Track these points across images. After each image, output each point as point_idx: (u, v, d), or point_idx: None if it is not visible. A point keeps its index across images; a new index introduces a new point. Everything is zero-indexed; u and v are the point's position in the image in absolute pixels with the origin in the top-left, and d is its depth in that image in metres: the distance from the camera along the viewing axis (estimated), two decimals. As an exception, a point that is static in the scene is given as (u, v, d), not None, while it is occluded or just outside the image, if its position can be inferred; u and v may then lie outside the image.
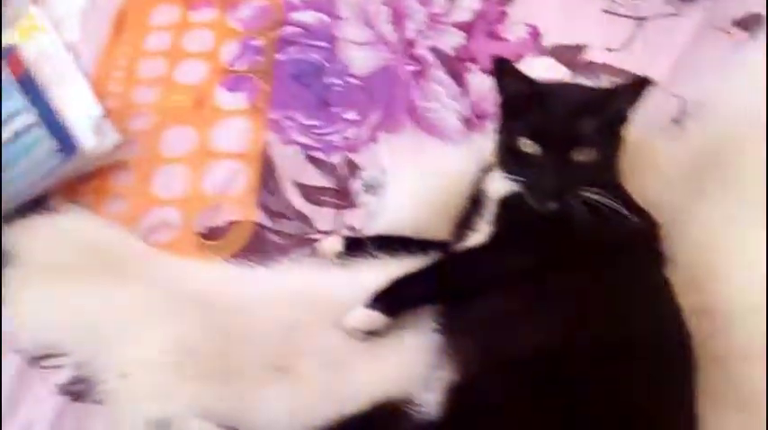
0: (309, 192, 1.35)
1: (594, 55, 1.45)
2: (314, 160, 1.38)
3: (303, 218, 1.32)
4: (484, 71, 1.45)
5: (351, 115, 1.43)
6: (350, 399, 1.01)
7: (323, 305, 1.14)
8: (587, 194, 1.05)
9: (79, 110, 1.38)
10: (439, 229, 1.24)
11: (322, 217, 1.33)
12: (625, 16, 1.49)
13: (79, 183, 1.37)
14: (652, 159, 1.25)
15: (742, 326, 1.06)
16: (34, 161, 1.31)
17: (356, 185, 1.35)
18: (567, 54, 1.46)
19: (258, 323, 1.12)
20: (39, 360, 1.16)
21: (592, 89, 1.17)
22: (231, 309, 1.14)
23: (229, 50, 1.53)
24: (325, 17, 1.55)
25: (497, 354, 0.97)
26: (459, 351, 1.00)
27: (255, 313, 1.14)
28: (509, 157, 1.12)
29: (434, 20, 1.53)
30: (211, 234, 1.31)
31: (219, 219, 1.32)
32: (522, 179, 1.09)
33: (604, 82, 1.35)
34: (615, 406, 0.91)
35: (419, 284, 1.11)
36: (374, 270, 1.17)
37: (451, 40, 1.51)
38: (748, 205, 1.12)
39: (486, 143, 1.21)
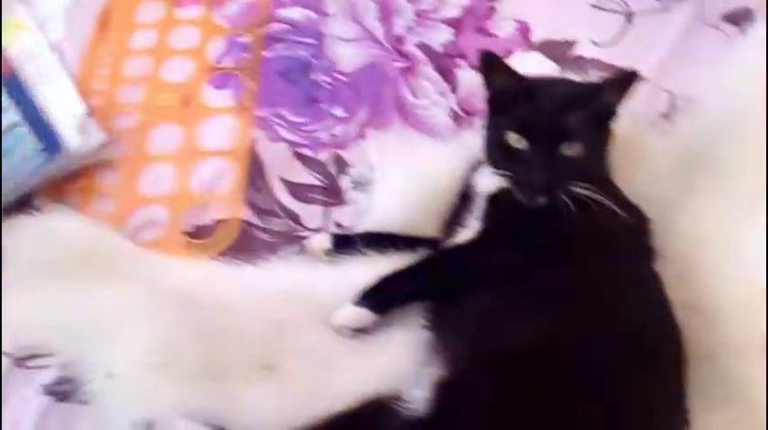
0: (297, 190, 1.34)
1: (583, 50, 1.45)
2: (302, 157, 1.37)
3: (291, 215, 1.31)
4: (473, 67, 1.44)
5: (339, 112, 1.42)
6: (338, 397, 0.99)
7: (311, 303, 1.13)
8: (576, 189, 1.04)
9: (64, 109, 1.37)
10: (428, 226, 1.23)
11: (310, 214, 1.32)
12: (614, 11, 1.49)
13: (65, 182, 1.35)
14: (641, 154, 1.25)
15: (731, 320, 1.05)
16: (18, 160, 1.29)
17: (345, 182, 1.35)
18: (557, 49, 1.46)
19: (245, 321, 1.11)
20: (24, 360, 1.15)
21: (579, 83, 1.17)
22: (218, 308, 1.13)
23: (216, 48, 1.52)
24: (312, 14, 1.54)
25: (486, 350, 0.96)
26: (447, 347, 0.99)
27: (243, 311, 1.13)
28: (497, 153, 1.12)
29: (423, 16, 1.52)
30: (199, 232, 1.30)
31: (207, 218, 1.31)
32: (510, 174, 1.08)
33: (593, 77, 1.33)
34: (604, 401, 0.90)
35: (407, 281, 1.11)
36: (363, 267, 1.16)
37: (440, 36, 1.50)
38: (738, 199, 1.12)
39: (475, 139, 1.20)
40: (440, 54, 1.48)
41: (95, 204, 1.34)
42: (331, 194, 1.34)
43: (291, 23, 1.53)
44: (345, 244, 1.22)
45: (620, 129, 1.14)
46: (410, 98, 1.43)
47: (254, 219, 1.31)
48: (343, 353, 1.07)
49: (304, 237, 1.28)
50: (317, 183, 1.35)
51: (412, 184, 1.27)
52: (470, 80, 1.42)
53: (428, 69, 1.46)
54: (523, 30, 1.49)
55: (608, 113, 1.10)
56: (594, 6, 1.50)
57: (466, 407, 0.90)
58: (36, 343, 1.14)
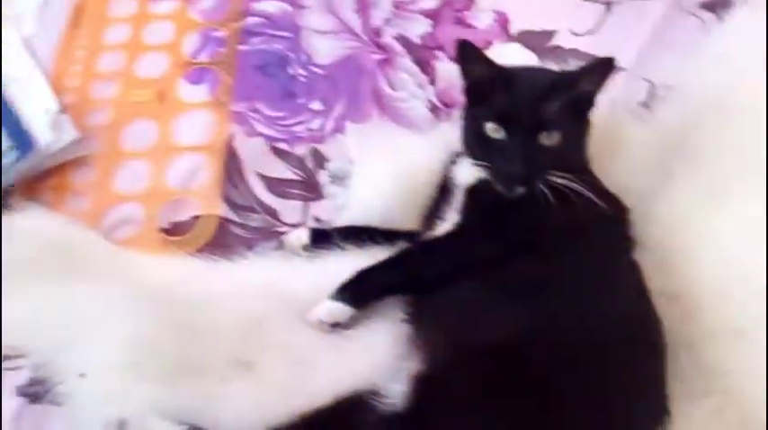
0: (275, 185, 1.32)
1: (562, 40, 1.44)
2: (279, 152, 1.36)
3: (269, 211, 1.30)
4: (451, 59, 1.43)
5: (316, 105, 1.40)
6: (315, 394, 0.97)
7: (288, 298, 1.12)
8: (555, 179, 1.04)
9: (36, 105, 1.35)
10: (408, 219, 1.22)
11: (288, 209, 1.31)
12: (593, 1, 1.47)
13: (38, 180, 1.33)
14: (620, 143, 1.24)
15: (708, 309, 1.04)
16: (-10, 159, 1.27)
17: (323, 176, 1.33)
18: (536, 40, 1.45)
19: (222, 318, 1.09)
20: (-3, 361, 1.13)
21: (556, 72, 1.15)
22: (194, 305, 1.11)
23: (191, 42, 1.50)
24: (288, 6, 1.52)
25: (464, 343, 0.95)
26: (426, 341, 0.98)
27: (219, 308, 1.11)
28: (475, 143, 1.11)
29: (400, 7, 1.51)
30: (175, 229, 1.29)
31: (183, 214, 1.30)
32: (488, 165, 1.08)
33: (572, 67, 1.32)
34: (583, 392, 0.90)
35: (385, 275, 1.09)
36: (341, 261, 1.15)
37: (418, 28, 1.49)
38: (716, 188, 1.11)
39: (454, 131, 1.19)
40: (418, 46, 1.46)
41: (69, 202, 1.32)
42: (309, 189, 1.32)
43: (267, 17, 1.51)
44: (323, 238, 1.21)
45: (599, 118, 1.14)
46: (388, 90, 1.41)
47: (232, 215, 1.29)
48: (321, 348, 1.06)
49: (282, 233, 1.27)
50: (294, 177, 1.33)
51: (391, 178, 1.26)
52: (449, 72, 1.41)
53: (406, 61, 1.44)
54: (502, 21, 1.48)
55: (586, 102, 1.10)
56: (574, -4, 1.49)
57: (443, 401, 0.89)
58: (9, 344, 1.12)
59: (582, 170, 1.10)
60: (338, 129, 1.37)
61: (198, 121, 1.40)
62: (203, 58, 1.48)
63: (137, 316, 1.07)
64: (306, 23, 1.50)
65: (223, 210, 1.29)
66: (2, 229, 1.17)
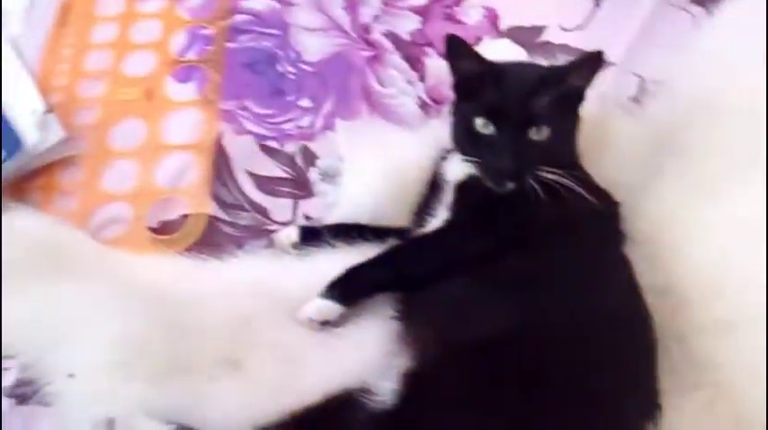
0: (264, 183, 1.32)
1: (552, 35, 1.44)
2: (268, 150, 1.35)
3: (259, 209, 1.30)
4: (441, 55, 1.42)
5: (305, 103, 1.40)
6: (305, 392, 0.97)
7: (278, 296, 1.11)
8: (545, 174, 1.03)
9: (22, 105, 1.34)
10: (398, 216, 1.22)
11: (279, 207, 1.30)
12: (582, -5, 1.47)
13: (25, 180, 1.32)
14: (611, 138, 1.24)
15: (698, 302, 1.04)
16: (-24, 160, 1.26)
17: (313, 174, 1.33)
18: (525, 35, 1.45)
19: (210, 317, 1.08)
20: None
21: (546, 67, 1.16)
22: (183, 304, 1.11)
23: (179, 41, 1.49)
24: (276, 4, 1.52)
25: (454, 340, 0.94)
26: (416, 338, 0.98)
27: (208, 307, 1.10)
28: (464, 139, 1.11)
29: (389, 4, 1.50)
30: (164, 228, 1.28)
31: (172, 213, 1.29)
32: (478, 160, 1.07)
33: (562, 62, 1.33)
34: (575, 388, 0.89)
35: (375, 272, 1.09)
36: (331, 259, 1.14)
37: (407, 25, 1.48)
38: (706, 182, 1.11)
39: (443, 128, 1.19)
40: (407, 42, 1.46)
41: (57, 202, 1.31)
42: (299, 187, 1.32)
43: (255, 14, 1.51)
44: (313, 236, 1.20)
45: (589, 113, 1.14)
46: (377, 87, 1.41)
47: (221, 214, 1.29)
48: (310, 346, 1.05)
49: (272, 231, 1.26)
50: (284, 175, 1.33)
51: (381, 175, 1.25)
52: (438, 68, 1.40)
53: (395, 58, 1.44)
54: (492, 17, 1.48)
55: (575, 97, 1.10)
56: (563, -9, 1.48)
57: (432, 398, 0.89)
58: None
59: (572, 165, 1.10)
60: (328, 127, 1.37)
61: (186, 120, 1.39)
62: (191, 56, 1.47)
63: (125, 315, 1.06)
64: (294, 21, 1.49)
65: (212, 209, 1.29)
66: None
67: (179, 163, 1.34)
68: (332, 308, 1.06)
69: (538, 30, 1.44)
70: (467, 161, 1.09)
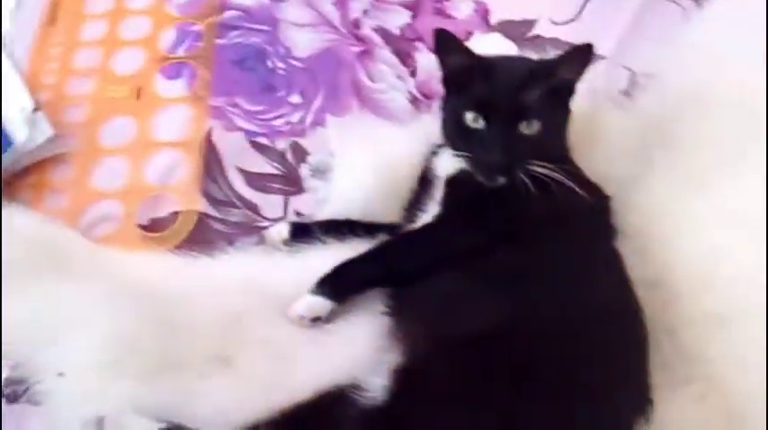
0: (255, 179, 1.31)
1: (542, 29, 1.43)
2: (259, 146, 1.35)
3: (250, 205, 1.29)
4: (431, 50, 1.41)
5: (295, 99, 1.39)
6: (296, 389, 0.96)
7: (268, 293, 1.11)
8: (535, 168, 1.03)
9: (11, 104, 1.33)
10: (389, 212, 1.22)
11: (269, 204, 1.30)
12: (573, -11, 1.47)
13: (15, 179, 1.31)
14: (602, 132, 1.24)
15: (691, 296, 1.04)
16: (-34, 158, 1.26)
17: (304, 170, 1.32)
18: (516, 29, 1.45)
19: (201, 314, 1.08)
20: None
21: (535, 61, 1.15)
22: (173, 301, 1.10)
23: (168, 37, 1.49)
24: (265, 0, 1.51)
25: (445, 334, 0.94)
26: (407, 333, 0.98)
27: (198, 304, 1.09)
28: (454, 133, 1.10)
29: (380, -1, 1.50)
30: (154, 225, 1.27)
31: (162, 210, 1.28)
32: (468, 155, 1.07)
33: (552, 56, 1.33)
34: (565, 382, 0.89)
35: (365, 267, 1.08)
36: (322, 256, 1.13)
37: (397, 20, 1.48)
38: (695, 174, 1.11)
39: (434, 122, 1.18)
40: (397, 37, 1.46)
41: (47, 200, 1.31)
42: (290, 183, 1.31)
43: (244, 10, 1.50)
44: (304, 233, 1.20)
45: (580, 107, 1.13)
46: (368, 82, 1.41)
47: (211, 211, 1.28)
48: (301, 343, 1.04)
49: (263, 228, 1.26)
50: (275, 171, 1.32)
51: (371, 170, 1.25)
52: (429, 63, 1.40)
53: (386, 53, 1.44)
54: (482, 11, 1.48)
55: (565, 90, 1.09)
56: (553, -16, 1.48)
57: (423, 393, 0.89)
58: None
59: (562, 159, 1.10)
60: (318, 122, 1.36)
61: (176, 117, 1.38)
62: (180, 52, 1.47)
63: (115, 314, 1.06)
64: (284, 16, 1.49)
65: (202, 206, 1.28)
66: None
67: (169, 160, 1.33)
68: (322, 304, 1.05)
69: (528, 23, 1.44)
70: (457, 156, 1.09)
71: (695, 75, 1.22)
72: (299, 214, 1.28)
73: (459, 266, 1.02)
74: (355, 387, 0.93)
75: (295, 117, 1.37)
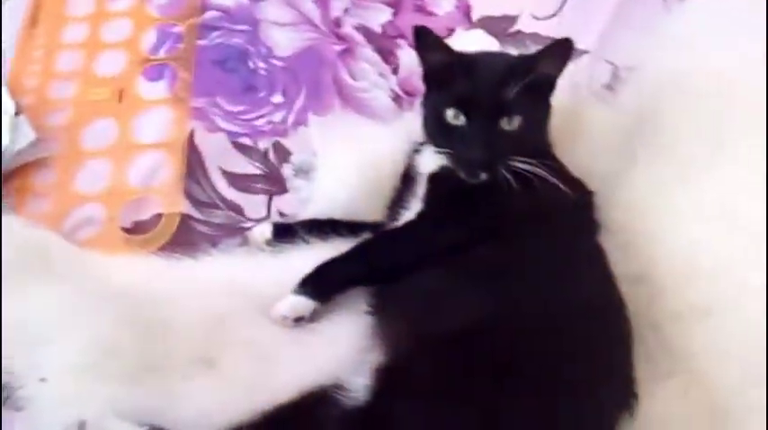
0: (238, 180, 1.31)
1: (524, 24, 1.43)
2: (241, 147, 1.34)
3: (233, 206, 1.29)
4: (413, 47, 1.40)
5: (277, 98, 1.39)
6: (279, 390, 0.96)
7: (251, 294, 1.10)
8: (517, 164, 1.03)
9: (-5, 108, 1.33)
10: (372, 210, 1.21)
11: (253, 204, 1.29)
12: (553, -17, 1.47)
13: (-2, 183, 1.31)
14: (585, 127, 1.24)
15: (672, 290, 1.04)
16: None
17: (287, 170, 1.32)
18: (497, 25, 1.45)
19: (184, 316, 1.07)
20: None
21: (515, 56, 1.15)
22: (156, 304, 1.09)
23: (149, 39, 1.48)
24: (245, 0, 1.51)
25: (427, 332, 0.94)
26: (389, 332, 0.98)
27: (181, 306, 1.09)
28: (436, 130, 1.10)
29: (360, -3, 1.50)
30: (137, 228, 1.27)
31: (145, 213, 1.28)
32: (450, 151, 1.07)
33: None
34: (548, 378, 0.89)
35: (347, 266, 1.08)
36: (305, 255, 1.13)
37: (379, 17, 1.48)
38: (675, 168, 1.11)
39: (417, 120, 1.17)
40: (379, 35, 1.46)
41: (30, 204, 1.30)
42: (273, 183, 1.31)
43: (225, 11, 1.50)
44: (287, 233, 1.19)
45: (562, 102, 1.13)
46: (350, 81, 1.40)
47: (194, 212, 1.27)
48: (284, 344, 1.04)
49: (247, 228, 1.25)
50: (257, 172, 1.32)
51: (354, 169, 1.25)
52: (411, 60, 1.40)
53: (367, 51, 1.44)
54: (464, 7, 1.47)
55: (546, 85, 1.09)
56: (533, -21, 1.48)
57: (404, 391, 0.89)
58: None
59: (544, 154, 1.10)
60: (300, 122, 1.36)
61: (158, 119, 1.38)
62: (162, 54, 1.46)
63: (97, 317, 1.05)
64: (264, 16, 1.49)
65: (186, 208, 1.27)
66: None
67: (151, 162, 1.32)
68: (305, 304, 1.05)
69: (510, 19, 1.44)
70: (439, 152, 1.09)
71: (674, 66, 1.21)
72: (282, 214, 1.28)
73: (442, 263, 1.01)
74: (338, 387, 0.92)
75: (277, 117, 1.37)
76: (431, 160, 1.11)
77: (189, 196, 1.29)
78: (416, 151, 1.18)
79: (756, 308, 0.98)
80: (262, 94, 1.40)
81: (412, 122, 1.23)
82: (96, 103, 1.41)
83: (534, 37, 1.40)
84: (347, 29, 1.46)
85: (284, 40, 1.45)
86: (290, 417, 0.94)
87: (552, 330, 0.92)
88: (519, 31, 1.42)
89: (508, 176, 1.02)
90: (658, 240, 1.08)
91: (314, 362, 1.01)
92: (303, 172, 1.31)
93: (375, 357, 0.94)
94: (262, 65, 1.43)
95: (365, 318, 1.04)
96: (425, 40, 1.09)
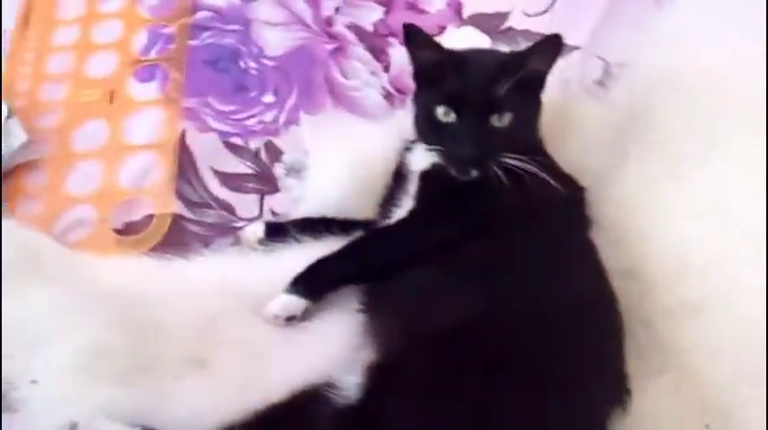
0: (229, 180, 1.31)
1: (515, 21, 1.43)
2: (233, 146, 1.34)
3: (225, 206, 1.29)
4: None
5: (268, 98, 1.39)
6: (271, 389, 0.96)
7: (244, 294, 1.10)
8: (508, 161, 1.03)
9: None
10: (364, 209, 1.21)
11: (245, 204, 1.29)
12: (545, -20, 1.47)
13: (-11, 185, 1.31)
14: (576, 123, 1.24)
15: (664, 286, 1.04)
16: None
17: (278, 169, 1.32)
18: (489, 22, 1.45)
19: (176, 316, 1.07)
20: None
21: (505, 53, 1.15)
22: (148, 304, 1.09)
23: (140, 40, 1.48)
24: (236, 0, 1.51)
25: (418, 329, 0.94)
26: (381, 329, 0.98)
27: (173, 306, 1.09)
28: (427, 128, 1.10)
29: (352, -5, 1.50)
30: (129, 229, 1.27)
31: (137, 214, 1.28)
32: (440, 149, 1.07)
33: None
34: (540, 374, 0.89)
35: (339, 265, 1.08)
36: (297, 254, 1.13)
37: (370, 16, 1.48)
38: (666, 164, 1.11)
39: (408, 118, 1.17)
40: (370, 34, 1.46)
41: (22, 206, 1.30)
42: (265, 182, 1.31)
43: (216, 11, 1.50)
44: (279, 232, 1.19)
45: (554, 98, 1.13)
46: (341, 80, 1.40)
47: (186, 212, 1.28)
48: (276, 343, 1.04)
49: (239, 228, 1.25)
50: (249, 171, 1.32)
51: (346, 167, 1.25)
52: (402, 58, 1.38)
53: (359, 49, 1.44)
54: (455, 4, 1.47)
55: (536, 82, 1.09)
56: (525, -24, 1.47)
57: (395, 389, 0.88)
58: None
59: (535, 151, 1.09)
60: (292, 121, 1.36)
61: (149, 119, 1.38)
62: (153, 55, 1.46)
63: (89, 319, 1.05)
64: (256, 16, 1.49)
65: (177, 208, 1.28)
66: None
67: (143, 163, 1.33)
68: (297, 303, 1.05)
69: (501, 16, 1.44)
70: (430, 150, 1.09)
71: (666, 63, 1.21)
72: (274, 213, 1.28)
73: (434, 261, 1.01)
74: (330, 385, 0.92)
75: (269, 116, 1.37)
76: (422, 158, 1.11)
77: (180, 196, 1.29)
78: (408, 149, 1.17)
79: (747, 304, 0.98)
80: (253, 94, 1.39)
81: (403, 120, 1.23)
82: (87, 104, 1.41)
83: (526, 34, 1.40)
84: (339, 27, 1.46)
85: (276, 40, 1.45)
86: (282, 416, 0.94)
87: (543, 326, 0.92)
88: (510, 28, 1.42)
89: (499, 173, 1.02)
90: (649, 236, 1.07)
91: (306, 360, 1.00)
92: (295, 171, 1.31)
93: (367, 355, 0.94)
94: (253, 64, 1.43)
95: (357, 316, 1.04)
96: (415, 38, 1.08)
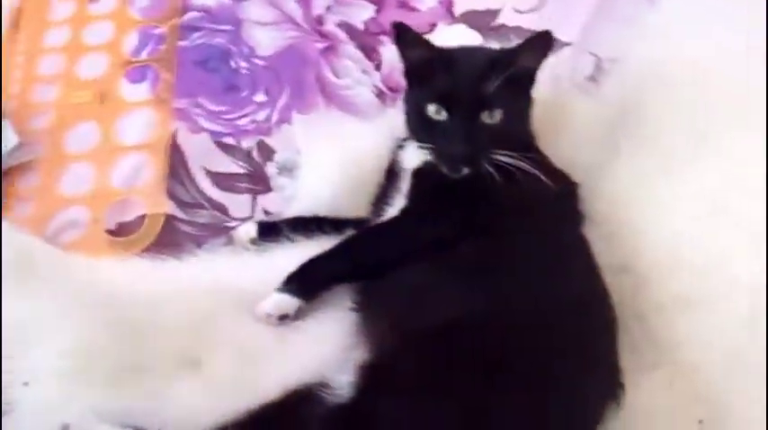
0: (221, 180, 1.31)
1: (507, 18, 1.43)
2: (225, 146, 1.34)
3: (217, 206, 1.29)
4: (394, 43, 1.41)
5: (260, 97, 1.39)
6: (265, 389, 0.96)
7: (237, 294, 1.10)
8: (499, 158, 1.02)
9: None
10: (357, 207, 1.21)
11: (237, 204, 1.29)
12: (536, -24, 1.47)
13: (-19, 188, 1.30)
14: (568, 119, 1.24)
15: (656, 281, 1.04)
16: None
17: (271, 169, 1.32)
18: (480, 20, 1.44)
19: (169, 317, 1.06)
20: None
21: (495, 50, 1.15)
22: (141, 305, 1.09)
23: (131, 41, 1.48)
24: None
25: (411, 328, 0.93)
26: (374, 328, 0.97)
27: (166, 307, 1.08)
28: (418, 126, 1.10)
29: (343, -6, 1.50)
30: (121, 230, 1.27)
31: (129, 214, 1.28)
32: (432, 146, 1.06)
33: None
34: (534, 371, 0.89)
35: (331, 263, 1.08)
36: (290, 254, 1.13)
37: (361, 14, 1.48)
38: (658, 159, 1.11)
39: (400, 116, 1.17)
40: (361, 32, 1.45)
41: (14, 208, 1.29)
42: (257, 182, 1.31)
43: (206, 11, 1.50)
44: (272, 231, 1.19)
45: (546, 94, 1.13)
46: (332, 78, 1.40)
47: (179, 213, 1.27)
48: (269, 342, 1.04)
49: (232, 228, 1.25)
50: (241, 171, 1.32)
51: (338, 166, 1.25)
52: (394, 56, 1.37)
53: (350, 48, 1.43)
54: (446, 2, 1.47)
55: (527, 78, 1.09)
56: (516, -28, 1.47)
57: (388, 388, 0.88)
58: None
59: (527, 147, 1.09)
60: (284, 120, 1.36)
61: (140, 120, 1.38)
62: (144, 56, 1.46)
63: (81, 320, 1.05)
64: (246, 15, 1.48)
65: (170, 208, 1.27)
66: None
67: (134, 163, 1.32)
68: (289, 302, 1.05)
69: (493, 13, 1.44)
70: (421, 148, 1.08)
71: (658, 58, 1.21)
72: (266, 213, 1.27)
73: (426, 258, 1.01)
74: (323, 385, 0.92)
75: (260, 115, 1.36)
76: (414, 156, 1.11)
77: (173, 197, 1.29)
78: (400, 147, 1.18)
79: (740, 298, 0.98)
80: (244, 94, 1.39)
81: (395, 118, 1.23)
82: (79, 105, 1.41)
83: (517, 30, 1.39)
84: (329, 26, 1.46)
85: (266, 40, 1.45)
86: (275, 416, 0.93)
87: (537, 323, 0.92)
88: (502, 25, 1.41)
89: (491, 170, 1.02)
90: (642, 231, 1.08)
91: (299, 360, 1.00)
92: (287, 170, 1.31)
93: (360, 354, 0.93)
94: (244, 64, 1.42)
95: (350, 315, 1.04)
96: (405, 37, 1.08)
